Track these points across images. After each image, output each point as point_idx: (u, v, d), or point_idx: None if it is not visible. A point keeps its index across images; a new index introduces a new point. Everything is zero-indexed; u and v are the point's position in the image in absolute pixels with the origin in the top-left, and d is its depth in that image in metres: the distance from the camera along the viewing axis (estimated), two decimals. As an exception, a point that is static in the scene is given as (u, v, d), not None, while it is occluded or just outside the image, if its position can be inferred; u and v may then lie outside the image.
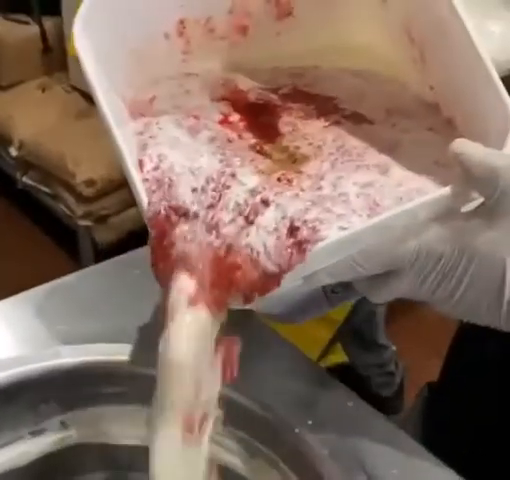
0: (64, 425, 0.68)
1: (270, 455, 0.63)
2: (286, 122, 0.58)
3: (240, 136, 0.57)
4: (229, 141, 0.56)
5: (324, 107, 0.59)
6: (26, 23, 2.17)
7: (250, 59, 0.60)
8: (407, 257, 0.50)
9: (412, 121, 0.57)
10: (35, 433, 0.67)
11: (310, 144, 0.56)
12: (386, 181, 0.52)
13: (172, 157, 0.53)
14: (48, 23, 2.14)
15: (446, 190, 0.49)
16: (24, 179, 2.10)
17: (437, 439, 0.71)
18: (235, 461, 0.66)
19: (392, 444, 0.60)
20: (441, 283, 0.51)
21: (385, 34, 0.58)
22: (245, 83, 0.60)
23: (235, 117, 0.58)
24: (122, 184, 1.82)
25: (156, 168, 0.52)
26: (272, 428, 0.62)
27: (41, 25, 2.15)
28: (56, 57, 2.19)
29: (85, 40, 0.52)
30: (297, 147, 0.56)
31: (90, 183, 1.94)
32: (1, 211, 2.18)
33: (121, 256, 0.75)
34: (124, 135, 0.52)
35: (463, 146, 0.50)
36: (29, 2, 2.14)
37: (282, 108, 0.59)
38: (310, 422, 0.61)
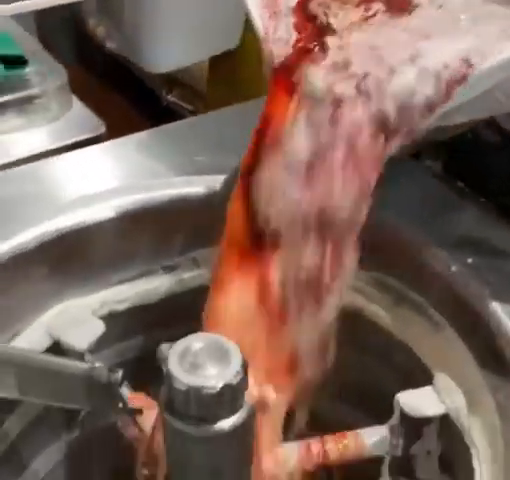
0: (196, 263, 0.64)
1: (418, 301, 0.57)
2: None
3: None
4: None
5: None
6: None
7: None
8: None
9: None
10: (167, 268, 0.64)
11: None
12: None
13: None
14: None
15: None
16: (169, 97, 2.10)
17: None
18: (377, 311, 0.61)
19: None
20: None
21: None
22: None
23: None
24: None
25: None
26: (422, 268, 0.56)
27: None
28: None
29: None
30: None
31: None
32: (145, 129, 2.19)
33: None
34: None
35: None
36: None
37: None
38: (470, 260, 0.54)
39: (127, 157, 0.66)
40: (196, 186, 0.62)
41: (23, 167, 0.67)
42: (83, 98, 0.94)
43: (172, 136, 0.68)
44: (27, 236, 0.56)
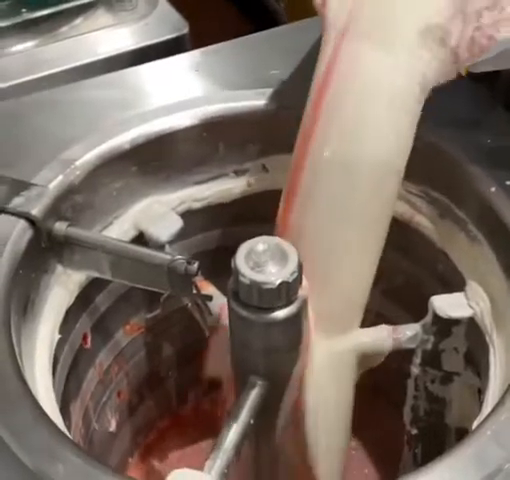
0: (265, 168, 0.71)
1: (460, 216, 0.64)
2: None
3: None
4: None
5: None
6: None
7: None
8: None
9: None
10: (239, 172, 0.72)
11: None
12: None
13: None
14: None
15: None
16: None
17: None
18: (424, 221, 0.67)
19: None
20: None
21: None
22: None
23: None
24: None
25: None
26: (466, 186, 0.62)
27: None
28: None
29: None
30: None
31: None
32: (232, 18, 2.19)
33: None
34: None
35: None
36: None
37: None
38: (508, 183, 0.60)
39: (208, 67, 0.73)
40: (269, 99, 0.68)
41: (112, 74, 0.73)
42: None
43: (252, 47, 0.74)
44: (123, 139, 0.64)
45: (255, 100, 0.68)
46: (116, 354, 0.76)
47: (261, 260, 0.53)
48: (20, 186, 0.58)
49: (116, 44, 0.90)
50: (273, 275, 0.52)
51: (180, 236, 0.68)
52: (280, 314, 0.53)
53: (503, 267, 0.59)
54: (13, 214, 0.57)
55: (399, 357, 0.65)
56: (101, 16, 0.94)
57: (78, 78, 0.81)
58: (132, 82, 0.72)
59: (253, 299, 0.53)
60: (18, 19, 0.87)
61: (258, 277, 0.52)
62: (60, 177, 0.61)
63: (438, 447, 0.71)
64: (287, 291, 0.53)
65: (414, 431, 0.70)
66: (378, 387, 0.77)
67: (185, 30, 0.93)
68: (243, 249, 0.53)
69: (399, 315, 0.74)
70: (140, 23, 0.94)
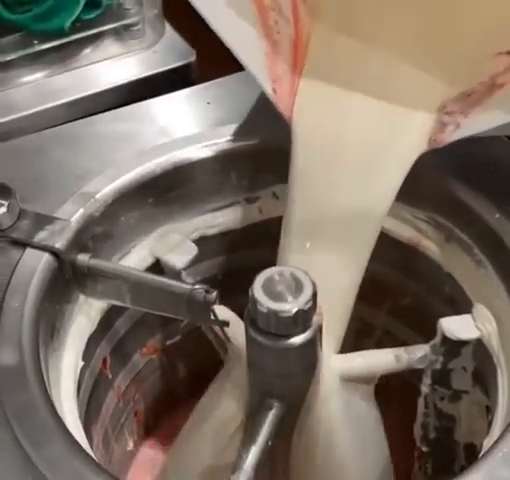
0: (275, 196, 0.74)
1: (466, 240, 0.66)
2: None
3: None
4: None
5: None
6: None
7: None
8: None
9: None
10: (250, 200, 0.74)
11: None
12: None
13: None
14: None
15: None
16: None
17: None
18: (430, 245, 0.70)
19: None
20: None
21: None
22: None
23: None
24: None
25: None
26: (471, 212, 0.64)
27: None
28: None
29: None
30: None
31: None
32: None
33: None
34: None
35: None
36: None
37: None
38: (512, 207, 0.62)
39: (219, 100, 0.75)
40: (278, 131, 0.70)
41: (126, 108, 0.76)
42: (175, 25, 1.00)
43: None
44: (139, 171, 0.67)
45: (265, 132, 0.70)
46: (133, 376, 0.78)
47: (278, 289, 0.55)
48: (44, 220, 0.61)
49: (125, 73, 0.92)
50: (289, 303, 0.54)
51: (194, 261, 0.71)
52: (296, 340, 0.56)
53: (508, 290, 0.62)
54: (38, 248, 0.60)
55: (409, 375, 0.68)
56: (109, 45, 0.96)
57: (88, 107, 0.84)
58: (146, 115, 0.74)
59: (270, 326, 0.55)
60: (29, 51, 0.89)
61: (275, 306, 0.54)
62: (81, 210, 0.63)
63: (447, 462, 0.74)
64: (303, 318, 0.55)
65: (424, 447, 0.72)
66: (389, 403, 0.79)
67: (192, 58, 0.94)
68: (260, 278, 0.56)
69: (408, 334, 0.76)
70: (148, 51, 0.96)
